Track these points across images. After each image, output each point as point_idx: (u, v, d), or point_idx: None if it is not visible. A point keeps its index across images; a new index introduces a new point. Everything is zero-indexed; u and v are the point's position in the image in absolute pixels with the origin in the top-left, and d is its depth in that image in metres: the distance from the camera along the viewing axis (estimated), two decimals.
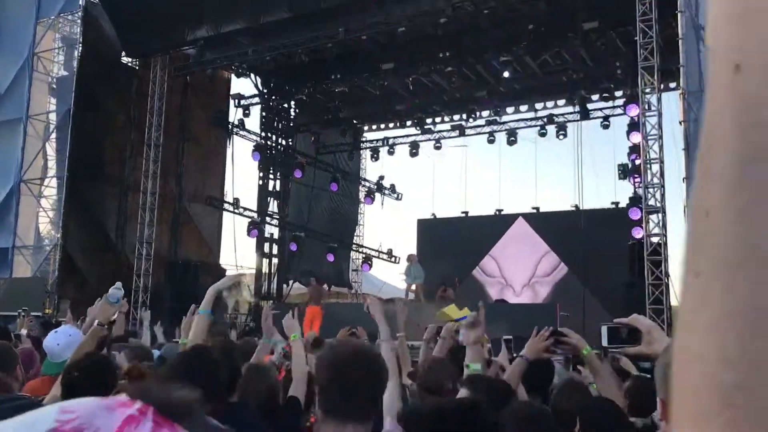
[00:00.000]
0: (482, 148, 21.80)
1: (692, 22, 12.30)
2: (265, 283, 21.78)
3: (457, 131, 21.75)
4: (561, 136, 20.11)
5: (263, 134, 21.88)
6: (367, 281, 25.01)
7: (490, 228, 21.94)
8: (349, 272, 24.81)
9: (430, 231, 22.53)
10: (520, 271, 21.57)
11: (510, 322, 10.88)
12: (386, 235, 26.73)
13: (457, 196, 22.75)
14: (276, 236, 22.03)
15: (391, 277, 25.68)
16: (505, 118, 21.39)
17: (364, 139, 24.12)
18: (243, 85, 23.24)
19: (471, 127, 21.70)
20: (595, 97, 19.59)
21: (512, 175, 30.13)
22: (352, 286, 24.67)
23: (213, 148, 21.91)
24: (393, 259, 24.34)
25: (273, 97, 21.91)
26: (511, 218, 22.07)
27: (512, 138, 21.02)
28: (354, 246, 24.73)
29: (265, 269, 21.84)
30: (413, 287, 17.66)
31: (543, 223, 21.51)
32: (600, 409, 3.02)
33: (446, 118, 22.23)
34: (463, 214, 22.63)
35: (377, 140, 23.19)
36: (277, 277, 22.03)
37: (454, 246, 21.26)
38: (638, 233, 14.21)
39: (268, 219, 21.72)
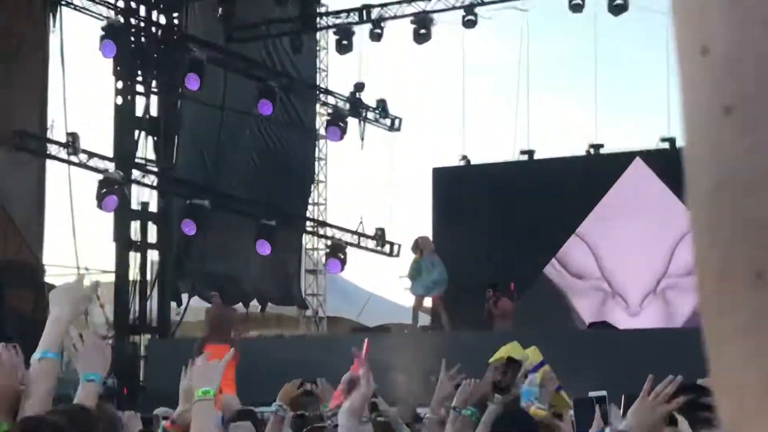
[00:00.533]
0: (559, 21, 14.80)
1: None
2: (134, 300, 13.63)
3: None
4: None
5: (121, 4, 14.28)
6: (337, 292, 17.66)
7: (576, 180, 14.47)
8: (301, 276, 17.22)
9: (458, 189, 15.59)
10: (640, 265, 13.64)
11: (620, 365, 8.29)
12: (371, 203, 18.60)
13: (510, 119, 15.36)
14: (154, 207, 14.47)
15: (382, 283, 19.16)
16: None
17: (322, 11, 16.06)
18: None
19: None
20: None
21: (618, 77, 21.65)
22: (306, 303, 17.15)
23: (23, 35, 14.49)
24: (386, 247, 16.54)
25: None
26: (619, 160, 14.17)
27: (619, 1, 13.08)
28: (309, 225, 17.13)
29: (134, 273, 13.96)
30: (428, 300, 13.27)
31: (681, 169, 12.83)
32: None
33: None
34: (525, 156, 15.31)
35: (348, 12, 15.25)
36: (157, 289, 14.08)
37: (502, 217, 14.58)
38: None
39: (137, 174, 14.18)
